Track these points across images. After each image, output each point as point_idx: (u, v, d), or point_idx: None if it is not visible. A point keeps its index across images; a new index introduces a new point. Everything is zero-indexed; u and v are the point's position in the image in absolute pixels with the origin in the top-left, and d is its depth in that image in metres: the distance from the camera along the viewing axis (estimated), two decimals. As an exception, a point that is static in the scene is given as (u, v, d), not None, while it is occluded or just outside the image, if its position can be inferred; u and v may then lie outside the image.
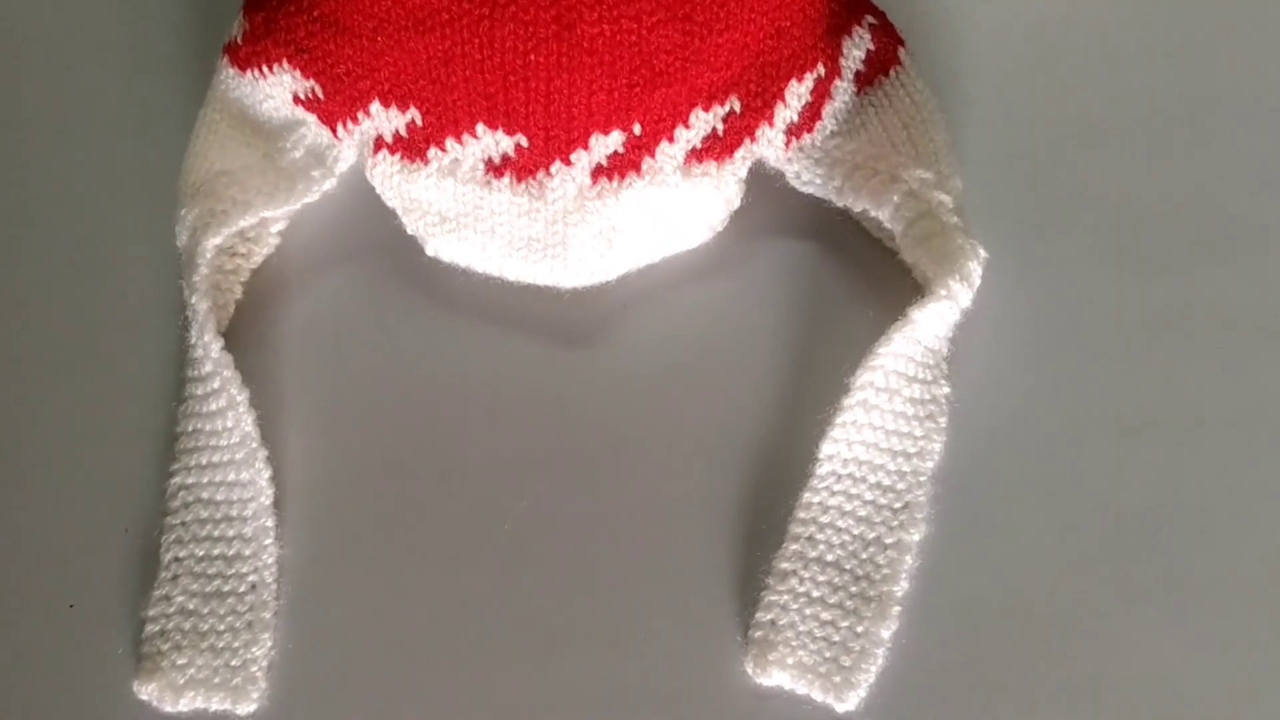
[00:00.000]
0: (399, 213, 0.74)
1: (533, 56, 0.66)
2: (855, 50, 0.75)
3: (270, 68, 0.72)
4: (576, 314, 0.75)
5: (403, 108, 0.70)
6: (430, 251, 0.74)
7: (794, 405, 0.75)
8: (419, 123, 0.71)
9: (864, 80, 0.75)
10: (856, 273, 0.76)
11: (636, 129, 0.70)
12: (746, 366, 0.75)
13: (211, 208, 0.73)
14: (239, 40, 0.74)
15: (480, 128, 0.70)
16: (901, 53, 0.76)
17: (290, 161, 0.74)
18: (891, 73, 0.76)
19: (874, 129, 0.75)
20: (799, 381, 0.75)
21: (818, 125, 0.75)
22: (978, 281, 0.71)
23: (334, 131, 0.73)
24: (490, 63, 0.67)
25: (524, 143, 0.70)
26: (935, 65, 0.76)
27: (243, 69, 0.74)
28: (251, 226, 0.74)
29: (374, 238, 0.77)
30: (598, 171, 0.71)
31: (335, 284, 0.77)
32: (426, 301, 0.77)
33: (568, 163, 0.70)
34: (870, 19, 0.76)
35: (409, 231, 0.75)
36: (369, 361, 0.74)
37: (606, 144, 0.70)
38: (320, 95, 0.72)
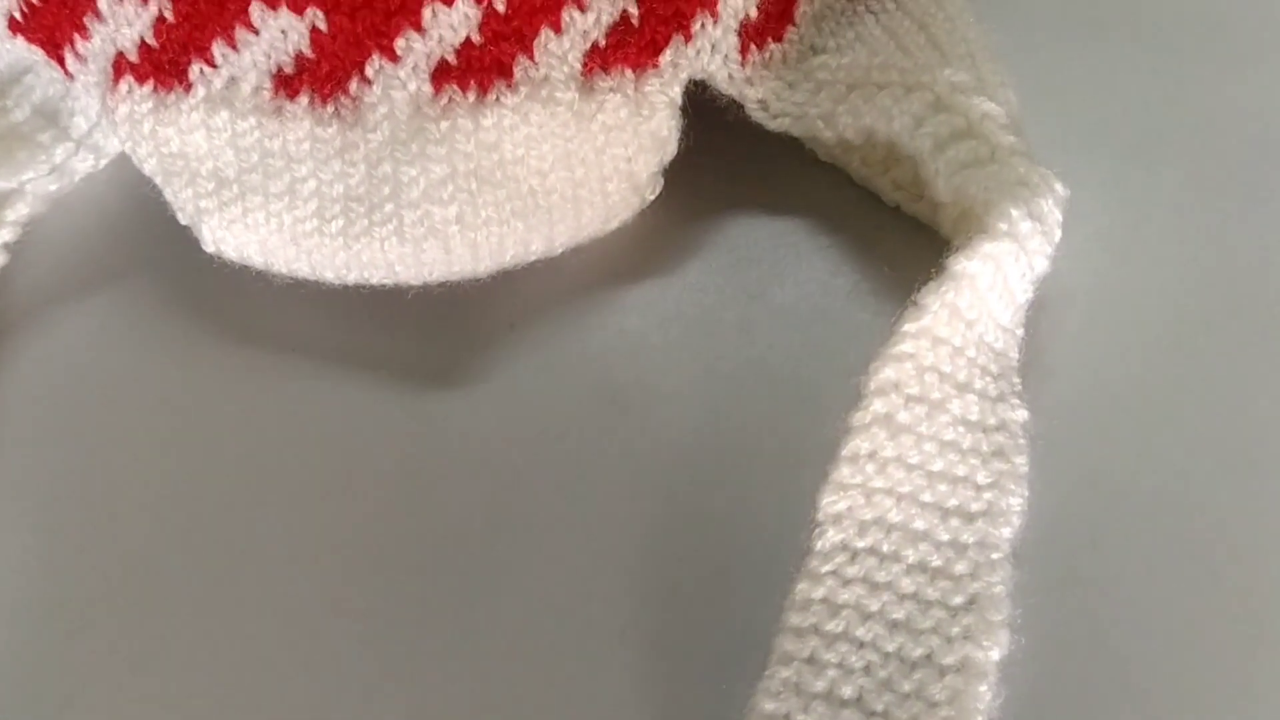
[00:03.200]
0: (159, 183, 0.41)
1: None
2: None
3: None
4: (434, 337, 0.46)
5: None
6: (208, 243, 0.42)
7: (770, 452, 0.42)
8: (169, 16, 0.38)
9: None
10: (860, 257, 0.44)
11: (497, 1, 0.37)
12: (695, 406, 0.44)
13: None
14: None
15: (257, 10, 0.38)
16: None
17: (9, 125, 0.44)
18: None
19: (875, 39, 0.43)
20: (776, 419, 0.44)
21: (789, 32, 0.43)
22: (1057, 229, 0.37)
23: (61, 64, 0.41)
24: None
25: (321, 24, 0.37)
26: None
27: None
28: None
29: (138, 250, 0.49)
30: (441, 73, 0.39)
31: (83, 317, 0.47)
32: (215, 333, 0.47)
33: (391, 56, 0.38)
34: None
35: (180, 217, 0.41)
36: (132, 426, 0.45)
37: (450, 23, 0.38)
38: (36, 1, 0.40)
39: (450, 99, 0.41)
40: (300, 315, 0.45)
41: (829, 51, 0.45)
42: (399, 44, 0.41)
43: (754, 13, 0.44)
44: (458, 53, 0.41)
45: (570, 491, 0.42)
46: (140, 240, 0.47)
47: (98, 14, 0.43)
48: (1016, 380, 0.40)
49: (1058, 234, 0.40)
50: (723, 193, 0.46)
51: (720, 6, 0.43)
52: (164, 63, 0.43)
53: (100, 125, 0.45)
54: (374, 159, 0.42)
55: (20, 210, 0.47)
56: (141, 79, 0.43)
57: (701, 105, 0.44)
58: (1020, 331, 0.40)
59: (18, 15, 0.44)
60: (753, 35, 0.44)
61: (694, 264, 0.46)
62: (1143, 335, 0.43)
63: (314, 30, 0.41)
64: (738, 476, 0.42)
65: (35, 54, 0.45)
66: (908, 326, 0.39)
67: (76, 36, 0.43)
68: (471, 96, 0.42)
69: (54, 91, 0.45)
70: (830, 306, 0.44)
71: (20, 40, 0.45)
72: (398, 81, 0.41)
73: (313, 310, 0.45)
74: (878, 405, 0.38)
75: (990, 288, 0.39)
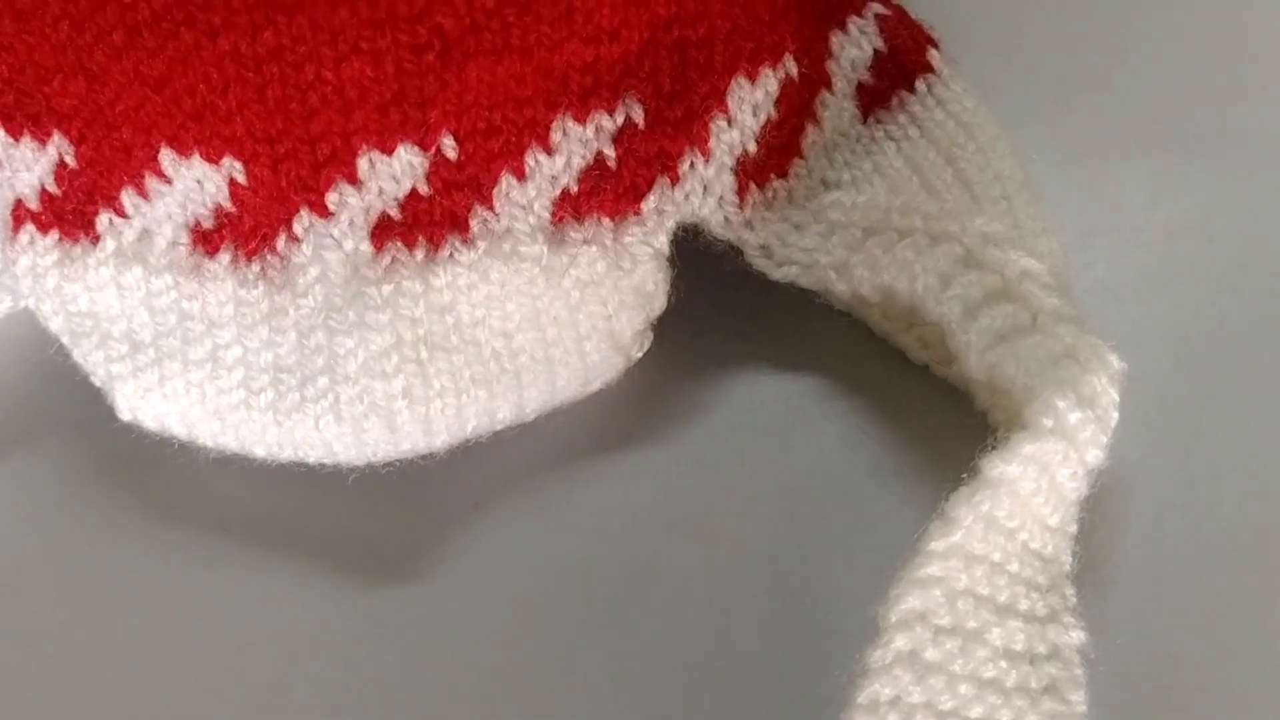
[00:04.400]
0: (66, 343, 0.34)
1: None
2: (853, 50, 0.38)
3: None
4: (385, 517, 0.39)
5: (41, 135, 0.32)
6: (123, 411, 0.35)
7: (770, 669, 0.35)
8: (71, 161, 0.31)
9: (873, 98, 0.38)
10: (883, 425, 0.38)
11: (447, 145, 0.31)
12: (686, 604, 0.37)
13: None
14: None
15: (167, 158, 0.31)
16: (933, 55, 0.37)
17: None
18: (920, 85, 0.38)
19: (896, 173, 0.36)
20: (779, 629, 0.37)
21: (794, 166, 0.35)
22: (1114, 413, 0.29)
23: None
24: (158, 31, 0.29)
25: (240, 176, 0.30)
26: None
27: None
28: None
29: (50, 405, 0.42)
30: (383, 229, 0.32)
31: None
32: (135, 506, 0.40)
33: (322, 212, 0.31)
34: (877, 7, 0.37)
35: (92, 377, 0.34)
36: (36, 615, 0.38)
37: (392, 173, 0.30)
38: None
39: (394, 258, 0.34)
40: (231, 489, 0.38)
41: (843, 186, 0.38)
42: (330, 198, 0.33)
43: (752, 147, 0.36)
44: (402, 206, 0.34)
45: (541, 698, 0.34)
46: (53, 395, 0.40)
47: None
48: (1070, 592, 0.32)
49: (1114, 418, 0.33)
50: (722, 346, 0.39)
51: (712, 142, 0.36)
52: (67, 212, 0.36)
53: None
54: (305, 327, 0.35)
55: None
56: (44, 228, 0.36)
57: (695, 248, 0.37)
58: (1073, 529, 0.33)
59: None
60: (752, 172, 0.36)
61: (689, 430, 0.38)
62: (1221, 529, 0.35)
63: (232, 182, 0.34)
64: (733, 692, 0.34)
65: None
66: (935, 545, 0.31)
67: None
68: (420, 254, 0.34)
69: None
70: (847, 485, 0.37)
71: None
72: (331, 240, 0.34)
73: (245, 483, 0.38)
74: (900, 641, 0.30)
75: (1034, 493, 0.32)
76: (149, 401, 0.37)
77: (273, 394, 0.35)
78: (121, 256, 0.35)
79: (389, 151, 0.33)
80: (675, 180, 0.36)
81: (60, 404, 0.40)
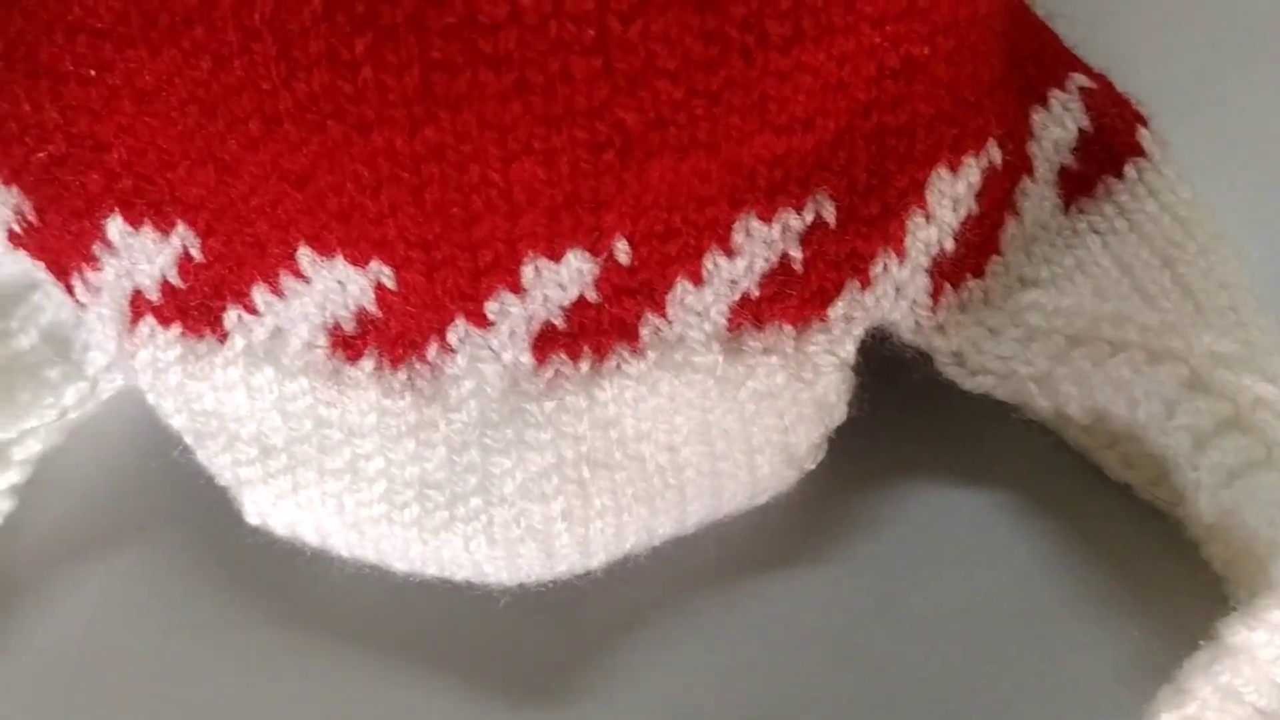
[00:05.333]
0: (188, 440, 0.31)
1: (369, 72, 0.23)
2: (1056, 130, 0.33)
3: None
4: (530, 638, 0.35)
5: (163, 224, 0.29)
6: (252, 515, 0.32)
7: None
8: (197, 254, 0.27)
9: (1076, 185, 0.33)
10: (1079, 551, 0.35)
11: (620, 249, 0.27)
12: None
13: None
14: None
15: (306, 257, 0.27)
16: (1144, 135, 0.32)
17: (13, 354, 0.35)
18: (1129, 171, 0.33)
19: (1103, 273, 0.32)
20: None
21: (991, 263, 0.30)
22: None
23: (69, 291, 0.30)
24: (300, 123, 0.24)
25: (388, 281, 0.26)
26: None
27: (-64, 194, 0.32)
28: None
29: (169, 496, 0.38)
30: (546, 340, 0.28)
31: (99, 579, 0.37)
32: (258, 608, 0.37)
33: (480, 322, 0.27)
34: (1080, 79, 0.31)
35: (217, 477, 0.30)
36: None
37: (559, 280, 0.26)
38: (32, 217, 0.30)
39: (557, 371, 0.30)
40: (362, 597, 0.34)
41: (1041, 284, 0.33)
42: (490, 307, 0.29)
43: (950, 245, 0.32)
44: (567, 314, 0.30)
45: None
46: (171, 483, 0.36)
47: (107, 243, 0.32)
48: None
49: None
50: (899, 455, 0.34)
51: (908, 241, 0.31)
52: (192, 306, 0.32)
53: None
54: (457, 443, 0.31)
55: (30, 447, 0.36)
56: (165, 321, 0.32)
57: (877, 354, 0.33)
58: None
59: (15, 228, 0.33)
60: (947, 272, 0.32)
61: (861, 547, 0.34)
62: None
63: (379, 287, 0.30)
64: None
65: (42, 271, 0.34)
66: (1166, 718, 0.27)
67: (84, 265, 0.32)
68: (585, 366, 0.30)
69: (66, 316, 0.35)
70: (1036, 614, 0.33)
71: (23, 254, 0.34)
72: (489, 352, 0.30)
73: (378, 592, 0.34)
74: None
75: (1275, 658, 0.27)
76: (280, 509, 0.33)
77: (418, 510, 0.32)
78: (252, 356, 0.32)
79: (557, 258, 0.29)
80: (866, 283, 0.31)
81: (180, 490, 0.36)
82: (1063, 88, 0.35)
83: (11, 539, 0.38)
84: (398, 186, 0.28)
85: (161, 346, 0.33)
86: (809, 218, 0.31)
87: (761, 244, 0.31)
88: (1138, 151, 0.35)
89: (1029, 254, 0.34)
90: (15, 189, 0.33)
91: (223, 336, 0.32)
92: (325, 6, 0.26)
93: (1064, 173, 0.35)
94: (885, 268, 0.32)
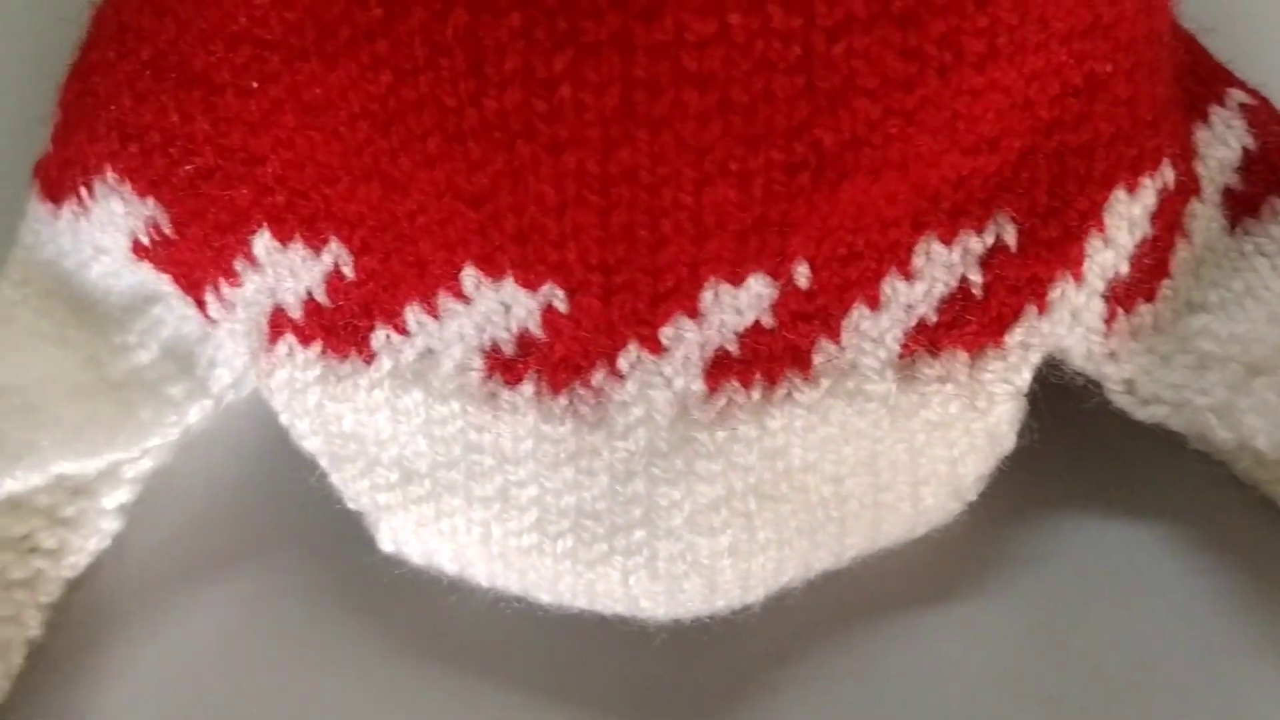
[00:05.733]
0: (322, 463, 0.29)
1: (567, 90, 0.21)
2: (1220, 149, 0.32)
3: (91, 188, 0.31)
4: (676, 672, 0.33)
5: (315, 241, 0.27)
6: (386, 543, 0.30)
7: None
8: (348, 274, 0.25)
9: (1241, 205, 0.33)
10: (1252, 591, 0.34)
11: (800, 273, 0.25)
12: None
13: (-47, 453, 0.28)
14: (48, 146, 0.29)
15: (471, 278, 0.25)
16: None
17: (132, 369, 0.33)
18: None
19: (1274, 296, 0.29)
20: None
21: (1162, 287, 0.28)
22: None
23: (200, 305, 0.28)
24: (485, 142, 0.22)
25: (560, 304, 0.24)
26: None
27: (56, 199, 0.34)
28: (64, 501, 0.35)
29: (295, 516, 0.36)
30: (719, 366, 0.26)
31: (210, 604, 0.35)
32: (381, 635, 0.35)
33: (654, 347, 0.26)
34: (1239, 94, 0.30)
35: (348, 502, 0.28)
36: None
37: (737, 305, 0.24)
38: (168, 230, 0.28)
39: (729, 399, 0.29)
40: (498, 626, 0.33)
41: (1210, 309, 0.32)
42: (665, 333, 0.28)
43: (1125, 269, 0.31)
44: (741, 340, 0.28)
45: None
46: (289, 500, 0.35)
47: (251, 259, 0.30)
48: None
49: None
50: (1059, 485, 0.33)
51: (1086, 265, 0.30)
52: (338, 325, 0.30)
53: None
54: (621, 472, 0.29)
55: (141, 464, 0.34)
56: (306, 340, 0.31)
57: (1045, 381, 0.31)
58: None
59: (144, 240, 0.32)
60: (1121, 298, 0.31)
61: (1021, 582, 0.33)
62: None
63: (548, 309, 0.28)
64: None
65: (166, 284, 0.32)
66: None
67: (222, 280, 0.31)
68: (756, 393, 0.29)
69: (189, 330, 0.33)
70: (1205, 655, 0.31)
71: (146, 266, 0.32)
72: (660, 379, 0.28)
73: (516, 621, 0.32)
74: None
75: None
76: (420, 536, 0.31)
77: (573, 541, 0.30)
78: (399, 378, 0.30)
79: (738, 282, 0.28)
80: (1043, 309, 0.30)
81: (298, 506, 0.35)
82: (1223, 104, 0.34)
83: (121, 560, 0.36)
84: (583, 208, 0.27)
85: (301, 366, 0.31)
86: (989, 240, 0.30)
87: (941, 267, 0.29)
88: (1303, 173, 0.33)
89: (1197, 277, 0.33)
90: (152, 200, 0.31)
91: (369, 357, 0.30)
92: (524, 22, 0.25)
93: (1228, 193, 0.33)
94: (1063, 293, 0.30)
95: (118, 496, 0.35)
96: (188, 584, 0.36)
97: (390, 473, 0.31)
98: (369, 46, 0.26)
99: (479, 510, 0.31)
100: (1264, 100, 0.35)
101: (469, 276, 0.29)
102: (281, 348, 0.31)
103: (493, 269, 0.28)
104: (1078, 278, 0.30)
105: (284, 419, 0.32)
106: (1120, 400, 0.32)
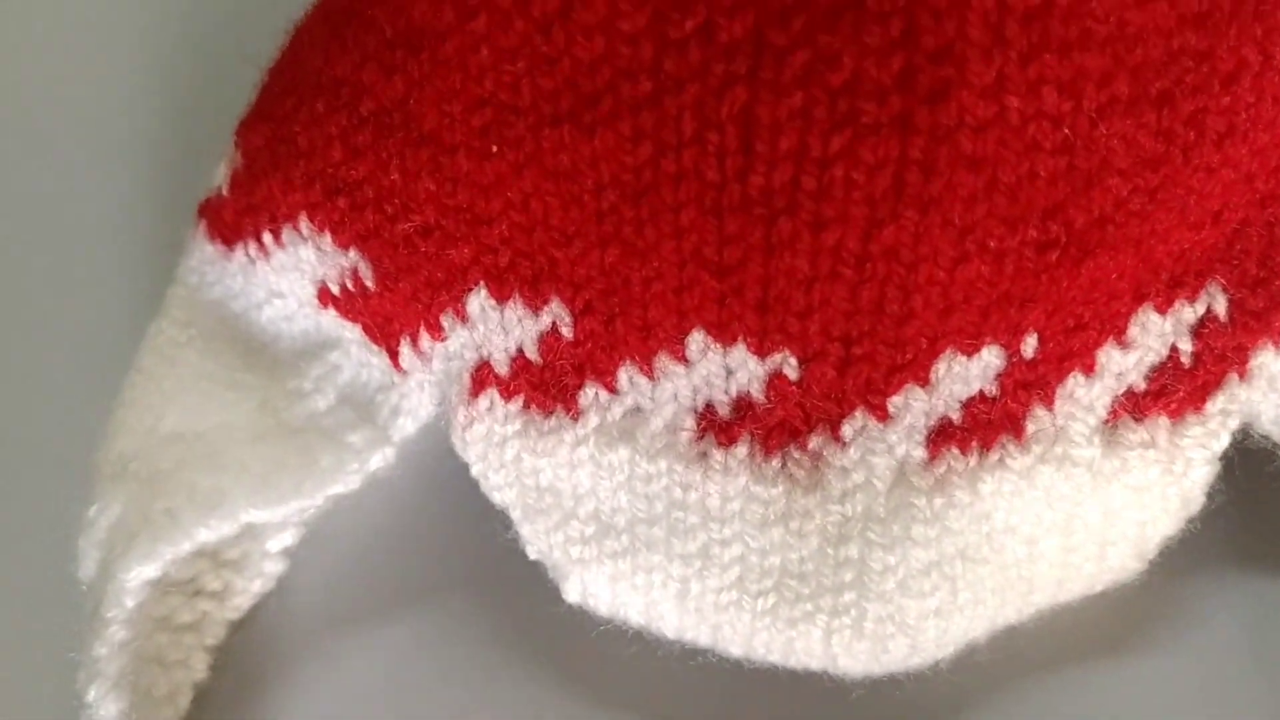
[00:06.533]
0: (513, 515, 0.30)
1: (840, 171, 0.22)
2: None
3: (278, 235, 0.31)
4: None
5: (534, 302, 0.26)
6: (573, 594, 0.30)
7: None
8: (566, 335, 0.26)
9: None
10: None
11: (1028, 344, 0.25)
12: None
13: (146, 507, 0.31)
14: (224, 190, 0.30)
15: (698, 342, 0.25)
16: None
17: (310, 416, 0.33)
18: None
19: None
20: None
21: None
22: None
23: (393, 356, 0.28)
24: (741, 190, 0.22)
25: (792, 372, 0.24)
26: None
27: (229, 241, 0.33)
28: (229, 541, 0.33)
29: (461, 562, 0.36)
30: (940, 434, 0.25)
31: (386, 658, 0.35)
32: (572, 699, 0.34)
33: (881, 415, 0.26)
34: None
35: (530, 552, 0.29)
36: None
37: (966, 376, 0.24)
38: (370, 282, 0.28)
39: (948, 466, 0.29)
40: (679, 682, 0.33)
41: None
42: (894, 401, 0.28)
43: None
44: (964, 408, 0.28)
45: None
46: (458, 544, 0.35)
47: (462, 315, 0.30)
48: None
49: None
50: (1234, 544, 0.33)
51: None
52: (546, 381, 0.30)
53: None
54: (834, 536, 0.29)
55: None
56: (509, 395, 0.30)
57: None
58: None
59: (334, 289, 0.31)
60: None
61: (1192, 638, 0.33)
62: None
63: (776, 375, 0.28)
64: None
65: (349, 331, 0.32)
66: None
67: (423, 333, 0.30)
68: (972, 460, 0.29)
69: (369, 377, 0.33)
70: None
71: (331, 314, 0.32)
72: (883, 445, 0.28)
73: (699, 677, 0.32)
74: None
75: None
76: (613, 589, 0.31)
77: (774, 599, 0.30)
78: (606, 434, 0.30)
79: (972, 354, 0.28)
80: (1244, 375, 0.30)
81: (464, 544, 0.35)
82: None
83: (285, 603, 0.36)
84: (836, 283, 0.27)
85: (501, 420, 0.31)
86: (1201, 310, 0.30)
87: (1155, 337, 0.30)
88: None
89: None
90: (355, 252, 0.31)
91: (576, 414, 0.30)
92: (805, 101, 0.25)
93: None
94: (1264, 361, 0.31)
95: (282, 540, 0.35)
96: (354, 627, 0.35)
97: (586, 526, 0.31)
98: (632, 119, 0.26)
99: (678, 566, 0.31)
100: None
101: (696, 340, 0.29)
102: (483, 402, 0.31)
103: (725, 335, 0.28)
104: (1278, 345, 0.31)
105: (476, 469, 0.32)
106: (1306, 466, 0.32)
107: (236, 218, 0.33)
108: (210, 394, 0.34)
